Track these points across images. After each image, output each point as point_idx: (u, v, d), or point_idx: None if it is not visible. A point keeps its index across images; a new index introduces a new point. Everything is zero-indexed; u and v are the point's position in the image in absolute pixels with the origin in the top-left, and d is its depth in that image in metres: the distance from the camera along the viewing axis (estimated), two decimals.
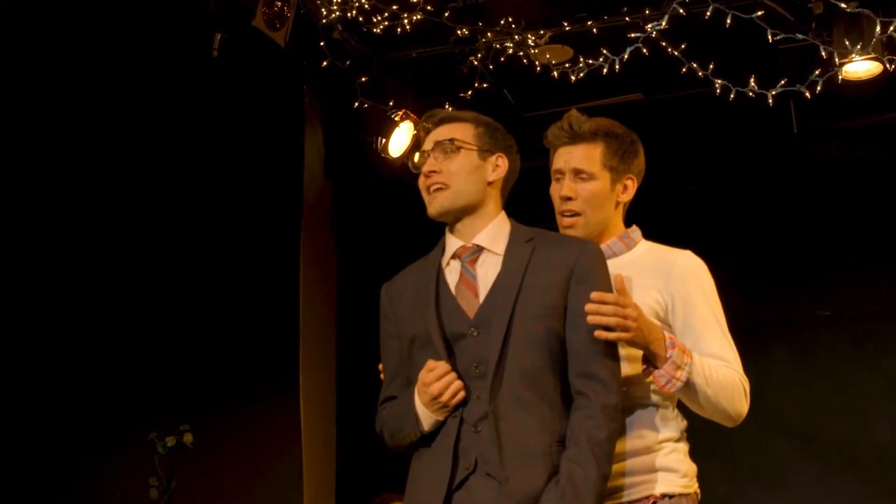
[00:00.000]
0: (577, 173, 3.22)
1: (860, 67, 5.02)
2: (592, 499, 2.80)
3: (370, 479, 5.59)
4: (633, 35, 4.72)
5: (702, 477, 7.03)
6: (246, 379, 5.30)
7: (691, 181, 6.83)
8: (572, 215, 3.22)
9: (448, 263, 3.09)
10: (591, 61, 4.87)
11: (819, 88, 4.69)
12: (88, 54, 5.16)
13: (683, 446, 3.16)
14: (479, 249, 3.06)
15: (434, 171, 3.05)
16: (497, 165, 3.11)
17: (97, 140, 5.35)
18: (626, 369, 3.04)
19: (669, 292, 3.12)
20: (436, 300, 3.02)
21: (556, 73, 5.05)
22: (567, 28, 5.14)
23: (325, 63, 5.23)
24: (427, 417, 2.96)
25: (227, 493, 5.21)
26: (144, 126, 5.43)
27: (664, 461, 3.09)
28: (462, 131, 3.10)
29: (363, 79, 5.34)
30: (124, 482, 5.25)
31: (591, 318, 2.88)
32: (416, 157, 3.15)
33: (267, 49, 5.11)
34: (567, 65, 5.02)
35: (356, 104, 5.35)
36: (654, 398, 3.11)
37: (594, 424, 2.86)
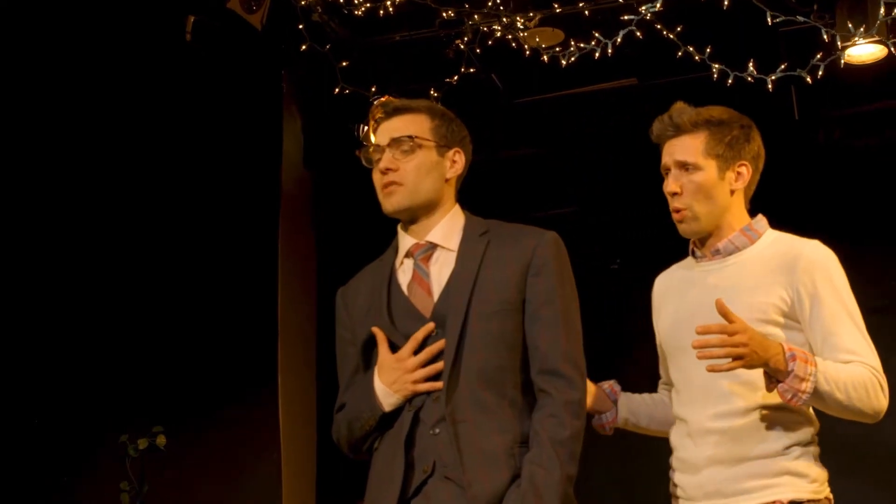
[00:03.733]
0: (682, 166, 3.17)
1: (864, 51, 4.98)
2: (555, 501, 2.76)
3: (351, 485, 5.47)
4: (626, 18, 4.70)
5: None
6: (222, 379, 5.27)
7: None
8: (680, 211, 3.18)
9: (402, 263, 3.07)
10: (582, 45, 4.86)
11: (821, 73, 4.66)
12: (58, 38, 5.15)
13: (814, 450, 3.11)
14: (433, 246, 3.04)
15: (391, 170, 3.01)
16: (454, 161, 3.08)
17: (66, 128, 5.34)
18: (753, 371, 2.96)
19: (794, 287, 3.05)
20: (388, 302, 3.00)
21: (546, 58, 5.02)
22: (558, 10, 5.09)
23: (303, 47, 5.16)
24: (387, 396, 2.92)
25: (203, 498, 5.17)
26: (116, 113, 5.40)
27: (792, 465, 3.04)
28: (418, 125, 3.05)
29: (344, 63, 5.27)
30: (94, 487, 5.20)
31: (699, 354, 2.87)
32: (369, 149, 3.08)
33: (243, 33, 5.12)
34: (558, 49, 4.99)
35: (337, 90, 5.26)
36: (782, 402, 3.01)
37: (557, 423, 2.82)
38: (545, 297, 2.91)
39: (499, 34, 5.09)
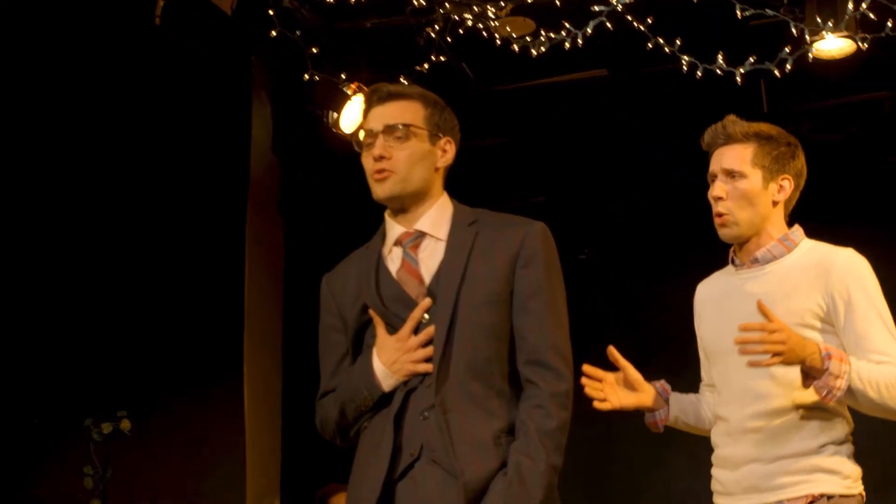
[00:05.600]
0: (728, 173, 3.32)
1: (832, 45, 5.00)
2: (540, 491, 2.77)
3: (316, 471, 5.57)
4: (597, 8, 4.68)
5: (665, 469, 6.88)
6: (188, 364, 5.25)
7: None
8: (722, 216, 3.33)
9: (390, 251, 3.05)
10: (553, 35, 4.84)
11: (789, 67, 4.67)
12: (24, 20, 5.05)
13: (848, 448, 3.24)
14: (422, 235, 3.03)
15: (384, 157, 2.98)
16: (445, 150, 3.07)
17: (31, 111, 5.24)
18: (789, 373, 3.15)
19: (829, 293, 3.21)
20: (377, 288, 2.99)
21: (516, 48, 5.02)
22: (529, 0, 5.08)
23: (274, 33, 5.13)
24: (387, 377, 2.92)
25: (167, 483, 5.17)
26: (82, 97, 5.32)
27: (826, 463, 3.19)
28: (412, 112, 3.03)
29: (314, 50, 5.27)
30: (57, 470, 5.18)
31: (740, 350, 3.01)
32: (361, 133, 3.06)
33: (213, 17, 5.11)
34: (528, 38, 4.98)
35: (306, 76, 5.27)
36: (817, 401, 3.18)
37: (544, 414, 2.84)
38: (533, 289, 2.92)
39: (470, 23, 5.07)
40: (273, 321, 5.65)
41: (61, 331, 5.27)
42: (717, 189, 3.32)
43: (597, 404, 3.37)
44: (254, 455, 5.24)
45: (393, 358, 2.91)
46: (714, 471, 3.37)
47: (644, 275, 7.04)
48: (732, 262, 3.39)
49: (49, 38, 5.15)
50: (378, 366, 2.92)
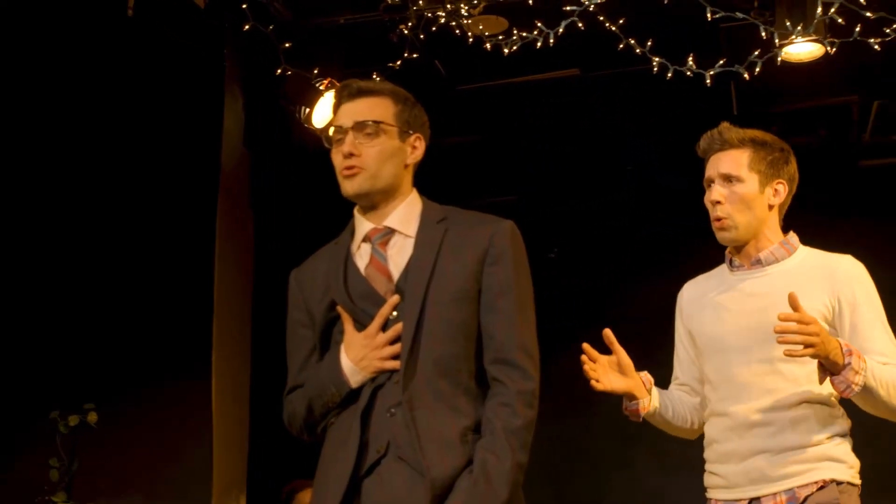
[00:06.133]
0: (726, 178, 3.42)
1: (801, 49, 5.04)
2: (505, 488, 2.79)
3: (283, 466, 5.57)
4: (569, 8, 4.73)
5: (630, 467, 6.91)
6: (156, 358, 5.23)
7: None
8: (721, 219, 3.43)
9: (359, 247, 3.06)
10: (525, 34, 4.89)
11: (758, 69, 4.76)
12: None
13: (850, 441, 3.39)
14: (391, 231, 3.04)
15: (353, 154, 2.99)
16: (415, 147, 3.08)
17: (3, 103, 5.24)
18: (795, 369, 3.30)
19: (835, 296, 3.34)
20: (345, 284, 3.00)
21: (489, 46, 5.05)
22: None
23: (247, 27, 5.14)
24: (354, 373, 2.93)
25: (133, 476, 5.15)
26: (53, 89, 5.32)
27: (834, 451, 3.31)
28: (382, 109, 3.03)
29: (287, 45, 5.26)
30: (23, 462, 5.15)
31: (779, 339, 3.09)
32: (330, 130, 3.06)
33: (186, 9, 5.12)
34: (501, 37, 5.02)
35: (279, 71, 5.28)
36: (826, 397, 3.32)
37: (510, 412, 2.85)
38: (501, 287, 2.94)
39: (442, 20, 5.08)
40: (242, 314, 5.65)
41: (28, 322, 5.24)
42: (715, 193, 3.41)
43: (592, 384, 3.42)
44: (221, 449, 5.21)
45: (361, 355, 2.92)
46: (712, 466, 3.44)
47: (611, 274, 7.07)
48: (730, 263, 3.47)
49: (20, 27, 5.12)
50: (346, 362, 2.93)
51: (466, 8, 5.06)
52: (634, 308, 6.14)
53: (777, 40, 4.74)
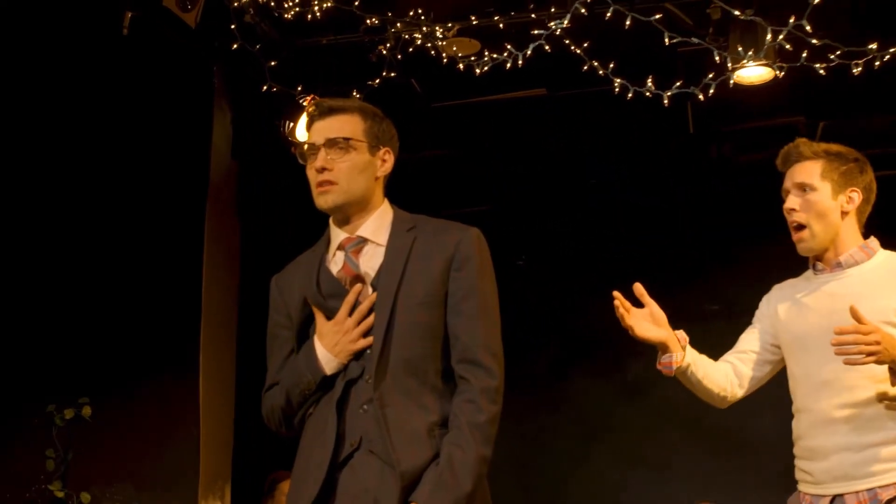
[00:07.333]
0: (800, 187, 3.49)
1: (753, 73, 5.18)
2: (469, 480, 2.88)
3: (266, 458, 5.63)
4: (537, 32, 4.79)
5: (591, 463, 7.08)
6: (147, 355, 5.30)
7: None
8: (798, 228, 3.49)
9: (333, 255, 3.15)
10: (496, 56, 4.93)
11: (712, 91, 4.81)
12: None
13: None
14: (363, 241, 3.13)
15: (326, 169, 3.08)
16: (384, 160, 3.17)
17: None
18: (875, 368, 3.28)
19: None
20: (318, 286, 3.10)
21: (461, 66, 5.10)
22: (474, 22, 5.20)
23: (235, 46, 5.21)
24: (329, 361, 3.02)
25: (125, 466, 5.21)
26: (50, 102, 5.40)
27: None
28: (352, 126, 3.12)
29: (272, 63, 5.32)
30: (20, 453, 5.23)
31: (837, 351, 3.13)
32: (304, 146, 3.15)
33: (178, 29, 5.13)
34: (473, 58, 5.07)
35: (265, 87, 5.32)
36: None
37: (475, 408, 2.95)
38: (466, 291, 3.02)
39: (419, 42, 5.18)
40: (228, 316, 5.69)
41: (28, 322, 5.31)
42: (791, 201, 3.49)
43: (627, 329, 3.45)
44: (207, 442, 5.29)
45: (334, 341, 3.01)
46: (800, 462, 3.49)
47: (575, 282, 7.16)
48: (814, 267, 3.54)
49: (15, 41, 5.20)
50: (321, 350, 3.02)
51: (441, 31, 5.15)
52: (595, 314, 6.29)
53: (730, 64, 4.81)
